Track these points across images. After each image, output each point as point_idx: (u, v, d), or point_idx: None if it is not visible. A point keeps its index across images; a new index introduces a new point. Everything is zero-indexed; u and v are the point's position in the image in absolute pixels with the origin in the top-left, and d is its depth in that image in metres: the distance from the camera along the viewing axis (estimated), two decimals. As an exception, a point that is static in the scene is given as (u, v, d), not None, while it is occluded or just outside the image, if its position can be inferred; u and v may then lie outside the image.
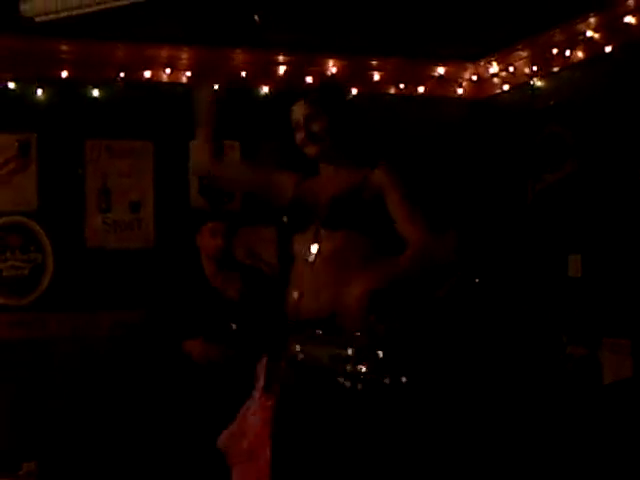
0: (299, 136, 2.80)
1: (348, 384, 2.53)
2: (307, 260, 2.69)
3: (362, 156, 2.83)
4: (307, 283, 2.67)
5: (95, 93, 4.74)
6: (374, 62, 5.20)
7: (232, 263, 4.11)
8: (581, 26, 4.48)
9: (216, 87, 3.12)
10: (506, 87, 5.18)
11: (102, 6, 2.85)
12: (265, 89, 4.97)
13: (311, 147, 2.78)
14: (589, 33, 4.44)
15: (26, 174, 4.67)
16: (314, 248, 2.69)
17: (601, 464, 3.80)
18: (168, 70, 4.83)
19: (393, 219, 2.71)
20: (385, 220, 2.72)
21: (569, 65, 4.64)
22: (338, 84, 3.18)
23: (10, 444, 4.39)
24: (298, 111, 2.80)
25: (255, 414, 3.23)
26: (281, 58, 4.97)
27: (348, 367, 2.54)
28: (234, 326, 3.96)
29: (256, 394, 3.25)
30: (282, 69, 4.98)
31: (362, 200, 2.70)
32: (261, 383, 3.09)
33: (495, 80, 5.25)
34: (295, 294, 2.68)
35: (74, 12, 2.85)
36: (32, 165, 4.68)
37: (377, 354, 2.56)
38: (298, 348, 2.63)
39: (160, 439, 4.05)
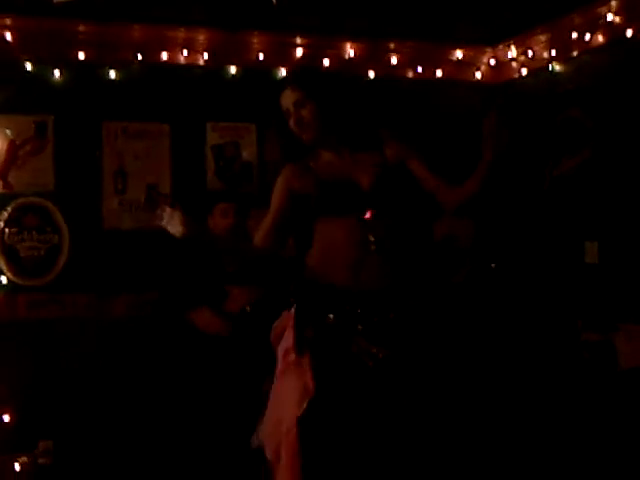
0: (291, 123, 2.84)
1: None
2: (360, 247, 2.73)
3: (360, 139, 2.88)
4: (358, 269, 2.73)
5: (112, 75, 4.74)
6: (392, 45, 5.16)
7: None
8: (602, 9, 4.43)
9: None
10: (524, 71, 5.13)
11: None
12: (282, 71, 4.95)
13: (305, 133, 2.83)
14: (610, 17, 4.39)
15: (43, 155, 4.68)
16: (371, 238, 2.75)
17: (616, 449, 3.79)
18: (185, 52, 4.82)
19: (421, 180, 2.90)
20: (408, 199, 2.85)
21: (589, 49, 4.59)
22: (317, 67, 3.21)
23: (27, 422, 4.43)
24: (286, 98, 2.84)
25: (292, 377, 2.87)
26: (298, 40, 4.95)
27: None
28: (248, 308, 3.98)
29: (285, 355, 2.88)
30: (299, 51, 4.96)
31: (396, 182, 2.83)
32: (290, 342, 2.84)
33: (514, 64, 5.20)
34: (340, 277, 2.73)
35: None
36: (49, 146, 4.69)
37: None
38: (325, 312, 2.70)
39: (175, 418, 4.07)
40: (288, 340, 2.80)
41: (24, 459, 4.29)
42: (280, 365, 2.82)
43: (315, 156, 2.89)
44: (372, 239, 2.74)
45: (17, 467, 4.26)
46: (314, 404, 2.63)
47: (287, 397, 2.71)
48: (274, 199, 2.93)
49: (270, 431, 2.79)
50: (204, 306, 3.93)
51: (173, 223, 2.77)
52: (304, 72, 3.13)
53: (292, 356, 2.75)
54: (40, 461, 4.31)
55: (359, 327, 2.69)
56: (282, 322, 2.90)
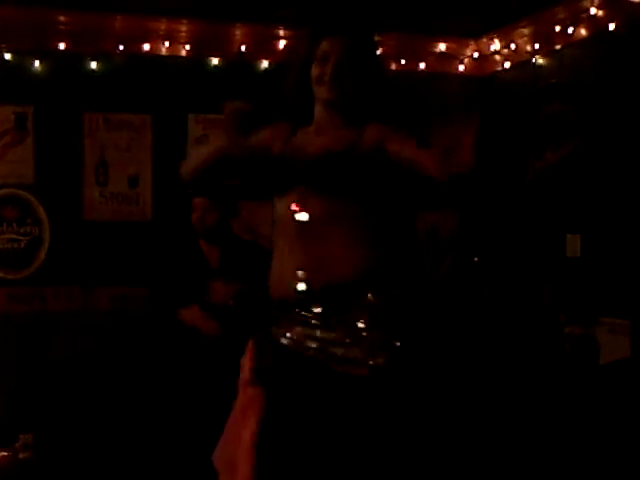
0: (320, 71, 2.45)
1: (340, 369, 2.30)
2: (295, 227, 2.41)
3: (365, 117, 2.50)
4: (295, 255, 2.40)
5: (93, 65, 4.70)
6: (375, 37, 5.14)
7: (227, 238, 4.09)
8: (584, 3, 4.44)
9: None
10: (507, 64, 5.14)
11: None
12: (265, 63, 4.93)
13: (329, 89, 2.45)
14: (593, 10, 4.39)
15: (23, 147, 4.64)
16: (302, 216, 2.41)
17: (598, 444, 3.81)
18: (167, 43, 4.79)
19: (404, 160, 2.39)
20: (379, 185, 2.43)
21: (572, 43, 4.60)
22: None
23: (7, 416, 4.40)
24: (335, 45, 2.46)
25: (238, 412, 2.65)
26: (281, 32, 4.93)
27: (339, 351, 2.32)
28: (231, 302, 3.96)
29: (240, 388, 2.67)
30: (282, 43, 4.93)
31: (356, 158, 2.40)
32: (246, 374, 2.55)
33: (497, 57, 5.21)
34: (281, 268, 2.43)
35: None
36: (29, 138, 4.65)
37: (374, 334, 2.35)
38: (283, 332, 2.39)
39: (158, 414, 4.06)
40: (244, 371, 2.51)
41: (4, 453, 4.26)
42: (239, 399, 2.52)
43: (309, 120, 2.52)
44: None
45: (-3, 461, 4.24)
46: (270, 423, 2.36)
47: (241, 422, 2.44)
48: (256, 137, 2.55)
49: (223, 452, 2.55)
50: (194, 304, 3.90)
51: None
52: (365, 30, 2.61)
53: (249, 390, 2.46)
54: (20, 455, 4.29)
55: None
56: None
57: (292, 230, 2.42)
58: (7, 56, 4.55)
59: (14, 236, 4.61)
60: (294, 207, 2.41)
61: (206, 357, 3.83)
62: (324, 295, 2.37)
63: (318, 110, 2.51)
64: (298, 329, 2.37)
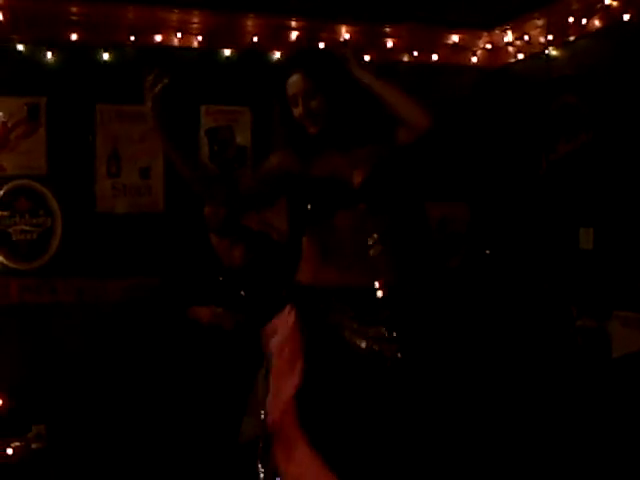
0: (297, 112, 2.62)
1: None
2: (364, 242, 2.63)
3: (367, 134, 2.68)
4: (358, 264, 2.62)
5: (105, 57, 4.70)
6: (388, 29, 5.13)
7: (237, 231, 4.10)
8: (599, -6, 4.41)
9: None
10: (521, 56, 5.12)
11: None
12: (277, 54, 4.91)
13: (312, 126, 2.61)
14: (607, 1, 4.37)
15: (35, 138, 4.65)
16: (373, 233, 2.64)
17: (611, 437, 3.80)
18: (179, 34, 4.78)
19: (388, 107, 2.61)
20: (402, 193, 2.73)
21: (586, 34, 4.57)
22: (326, 52, 2.82)
23: (20, 407, 4.41)
24: (295, 86, 2.60)
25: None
26: (293, 23, 4.91)
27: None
28: (243, 292, 3.96)
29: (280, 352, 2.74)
30: (294, 34, 4.92)
31: (391, 169, 2.67)
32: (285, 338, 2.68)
33: (510, 49, 5.18)
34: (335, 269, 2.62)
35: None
36: (41, 129, 4.65)
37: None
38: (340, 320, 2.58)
39: (169, 404, 4.07)
40: (285, 337, 2.65)
41: (17, 444, 4.28)
42: (275, 361, 2.67)
43: (319, 152, 2.68)
44: (374, 237, 2.65)
45: (10, 452, 4.24)
46: (310, 377, 2.57)
47: (284, 375, 2.63)
48: (264, 164, 2.72)
49: (271, 403, 2.70)
50: (210, 305, 3.91)
51: None
52: (315, 57, 2.70)
53: (286, 352, 2.63)
54: (33, 446, 4.30)
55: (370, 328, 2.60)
56: (274, 326, 2.74)
57: (337, 237, 2.61)
58: (20, 47, 4.55)
59: (27, 227, 4.63)
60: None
61: (220, 349, 3.84)
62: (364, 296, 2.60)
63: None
64: (348, 322, 2.57)
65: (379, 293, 2.61)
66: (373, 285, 2.62)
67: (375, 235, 2.63)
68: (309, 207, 2.65)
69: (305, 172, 2.64)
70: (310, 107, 2.57)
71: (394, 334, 2.60)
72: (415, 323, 2.69)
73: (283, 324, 2.68)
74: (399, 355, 2.58)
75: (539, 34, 4.93)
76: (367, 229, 2.63)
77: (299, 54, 2.79)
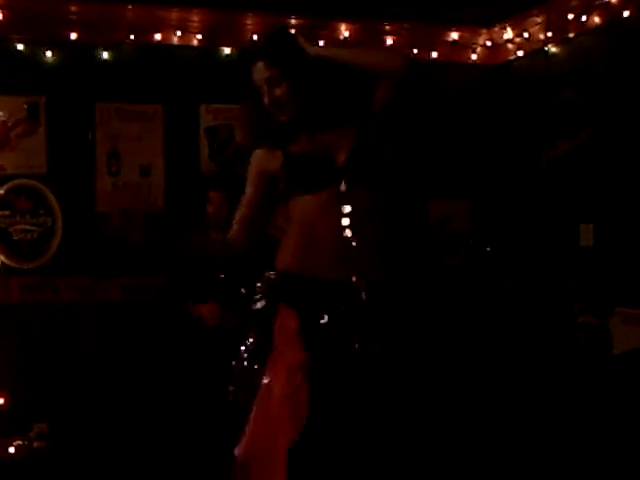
0: (265, 100, 2.55)
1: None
2: (335, 224, 2.48)
3: (339, 116, 2.56)
4: (336, 249, 2.48)
5: (105, 55, 4.70)
6: (387, 26, 5.12)
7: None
8: (599, -10, 4.41)
9: None
10: (520, 53, 5.11)
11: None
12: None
13: (280, 114, 2.54)
14: (607, -3, 4.37)
15: (35, 137, 4.64)
16: (347, 208, 2.49)
17: (612, 434, 3.80)
18: (179, 32, 4.78)
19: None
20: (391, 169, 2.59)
21: (585, 31, 4.57)
22: (292, 35, 2.66)
23: (22, 405, 4.42)
24: (259, 73, 2.54)
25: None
26: (293, 21, 4.90)
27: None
28: (244, 291, 3.96)
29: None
30: (293, 32, 4.90)
31: (372, 147, 2.53)
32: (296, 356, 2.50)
33: (509, 46, 5.18)
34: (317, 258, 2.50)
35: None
36: (41, 128, 4.65)
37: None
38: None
39: (172, 403, 4.07)
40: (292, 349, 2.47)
41: (19, 442, 4.28)
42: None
43: (294, 139, 2.58)
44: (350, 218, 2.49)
45: (12, 450, 4.25)
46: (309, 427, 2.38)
47: (280, 418, 2.42)
48: (247, 187, 2.66)
49: (258, 445, 2.48)
50: (210, 302, 3.91)
51: None
52: (276, 44, 2.58)
53: (297, 376, 2.43)
54: (35, 444, 4.31)
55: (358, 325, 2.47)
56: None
57: (329, 222, 2.49)
58: (19, 46, 4.55)
59: (27, 227, 4.62)
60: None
61: (214, 348, 3.84)
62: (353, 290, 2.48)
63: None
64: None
65: (361, 293, 2.48)
66: (351, 279, 2.48)
67: (350, 217, 2.48)
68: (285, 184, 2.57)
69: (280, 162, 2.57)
70: (275, 95, 2.51)
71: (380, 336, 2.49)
72: (399, 324, 2.59)
73: (282, 330, 2.51)
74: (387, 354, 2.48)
75: (539, 31, 4.92)
76: (344, 212, 2.50)
77: (262, 42, 2.73)
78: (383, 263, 2.57)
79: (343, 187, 2.48)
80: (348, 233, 2.48)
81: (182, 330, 4.02)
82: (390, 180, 2.60)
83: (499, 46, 5.26)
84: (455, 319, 4.94)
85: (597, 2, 4.45)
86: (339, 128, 2.54)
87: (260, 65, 2.53)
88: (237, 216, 2.69)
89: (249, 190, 2.66)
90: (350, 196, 2.49)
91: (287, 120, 2.54)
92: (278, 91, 2.51)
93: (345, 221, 2.49)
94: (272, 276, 2.59)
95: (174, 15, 4.77)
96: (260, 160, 2.63)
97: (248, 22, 4.86)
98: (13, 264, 4.59)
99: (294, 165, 2.53)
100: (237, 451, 2.48)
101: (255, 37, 4.84)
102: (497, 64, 5.32)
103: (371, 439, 2.41)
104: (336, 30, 4.99)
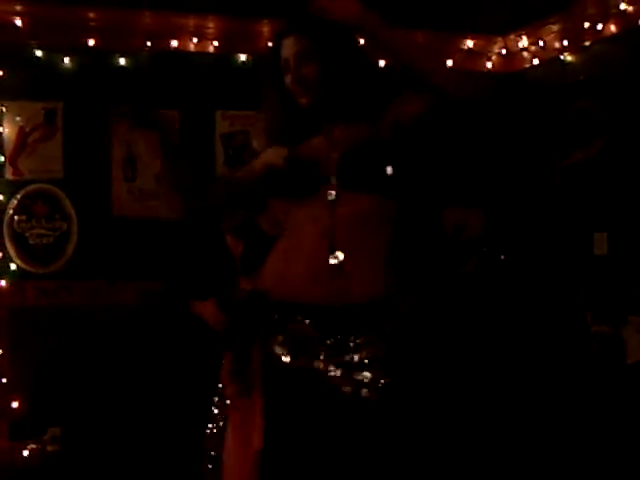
0: (288, 79, 2.30)
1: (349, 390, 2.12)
2: (322, 233, 2.21)
3: (372, 111, 2.30)
4: (322, 260, 2.19)
5: (122, 62, 4.73)
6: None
7: (253, 234, 4.11)
8: (615, -1, 4.40)
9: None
10: (536, 61, 5.10)
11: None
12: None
13: (303, 95, 2.28)
14: (622, 6, 4.35)
15: (52, 142, 4.68)
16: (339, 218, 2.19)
17: (625, 443, 3.79)
18: (195, 39, 4.81)
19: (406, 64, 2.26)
20: (410, 173, 2.27)
21: (601, 39, 4.56)
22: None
23: (35, 409, 4.44)
24: (288, 48, 2.30)
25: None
26: (308, 29, 4.92)
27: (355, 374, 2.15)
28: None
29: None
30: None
31: (382, 148, 2.23)
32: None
33: (525, 54, 5.16)
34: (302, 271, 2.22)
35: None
36: (58, 133, 4.68)
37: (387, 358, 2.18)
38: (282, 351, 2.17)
39: (185, 408, 4.08)
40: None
41: (33, 446, 4.30)
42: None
43: (308, 135, 2.32)
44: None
45: (26, 454, 4.27)
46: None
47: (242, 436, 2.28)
48: (247, 167, 2.46)
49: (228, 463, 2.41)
50: (210, 299, 3.92)
51: None
52: (313, 20, 2.29)
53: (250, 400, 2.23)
54: (49, 448, 4.33)
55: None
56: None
57: (315, 234, 2.23)
58: (38, 52, 4.60)
59: (43, 231, 4.66)
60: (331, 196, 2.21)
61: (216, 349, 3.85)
62: (343, 314, 2.18)
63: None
64: (315, 350, 2.16)
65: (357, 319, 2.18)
66: (345, 303, 2.18)
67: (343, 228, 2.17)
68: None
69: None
70: (302, 73, 2.26)
71: (382, 380, 2.17)
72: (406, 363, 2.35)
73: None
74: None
75: (554, 39, 4.91)
76: (333, 227, 2.19)
77: (295, 15, 2.43)
78: (390, 278, 2.28)
79: (332, 194, 2.23)
80: (337, 247, 2.19)
81: (192, 333, 4.03)
82: (409, 188, 2.33)
83: (514, 54, 5.26)
84: (468, 327, 4.93)
85: (613, 11, 4.44)
86: (350, 122, 2.30)
87: (290, 40, 2.30)
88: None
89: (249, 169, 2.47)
90: (344, 204, 2.22)
91: (307, 104, 2.30)
92: (306, 69, 2.27)
93: (332, 233, 2.20)
94: (241, 296, 2.39)
95: (190, 22, 4.80)
96: (269, 154, 2.41)
97: (264, 29, 4.88)
98: (29, 268, 4.62)
99: (289, 167, 2.31)
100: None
101: (270, 44, 4.86)
102: (512, 72, 5.31)
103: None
104: (352, 37, 5.00)
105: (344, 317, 2.18)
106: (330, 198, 2.22)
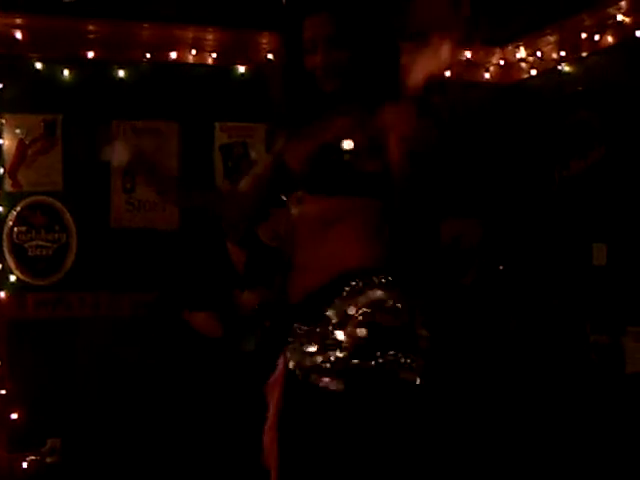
0: (312, 61, 2.11)
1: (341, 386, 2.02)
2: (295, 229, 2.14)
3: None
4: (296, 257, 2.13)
5: (121, 74, 4.75)
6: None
7: (255, 244, 4.12)
8: (611, 10, 4.41)
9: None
10: (534, 72, 5.12)
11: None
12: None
13: (329, 81, 2.11)
14: (619, 17, 4.37)
15: (52, 154, 4.69)
16: (295, 210, 2.12)
17: (625, 453, 3.78)
18: (194, 51, 4.83)
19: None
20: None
21: (598, 50, 4.57)
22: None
23: (35, 420, 4.44)
24: (317, 27, 2.08)
25: None
26: (307, 41, 4.94)
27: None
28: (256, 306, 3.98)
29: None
30: (308, 51, 4.94)
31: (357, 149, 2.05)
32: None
33: (523, 65, 5.19)
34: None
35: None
36: (58, 145, 4.70)
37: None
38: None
39: (185, 419, 4.08)
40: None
41: (32, 457, 4.30)
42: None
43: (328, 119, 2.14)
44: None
45: (25, 465, 4.27)
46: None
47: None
48: (259, 162, 2.37)
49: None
50: (203, 309, 3.93)
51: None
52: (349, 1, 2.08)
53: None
54: (48, 460, 4.33)
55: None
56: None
57: (294, 233, 2.16)
58: (37, 65, 4.61)
59: (42, 243, 4.66)
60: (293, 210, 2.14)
61: (216, 360, 3.86)
62: (324, 294, 2.05)
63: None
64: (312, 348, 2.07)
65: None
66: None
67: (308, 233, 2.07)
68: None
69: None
70: (332, 58, 2.07)
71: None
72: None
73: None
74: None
75: (552, 50, 4.93)
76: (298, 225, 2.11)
77: None
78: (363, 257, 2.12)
79: (299, 194, 2.13)
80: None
81: (187, 343, 4.04)
82: (409, 196, 2.21)
83: (512, 65, 5.27)
84: (468, 337, 4.93)
85: (610, 21, 4.46)
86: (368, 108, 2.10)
87: (319, 19, 2.08)
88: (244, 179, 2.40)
89: (260, 165, 2.41)
90: (313, 207, 2.10)
91: (332, 90, 2.12)
92: (337, 54, 2.08)
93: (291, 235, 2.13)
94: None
95: (189, 34, 4.82)
96: (282, 145, 2.28)
97: (263, 41, 4.90)
98: (28, 280, 4.63)
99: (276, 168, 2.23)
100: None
101: (270, 56, 4.89)
102: (510, 83, 5.33)
103: None
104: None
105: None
106: (298, 196, 2.14)
